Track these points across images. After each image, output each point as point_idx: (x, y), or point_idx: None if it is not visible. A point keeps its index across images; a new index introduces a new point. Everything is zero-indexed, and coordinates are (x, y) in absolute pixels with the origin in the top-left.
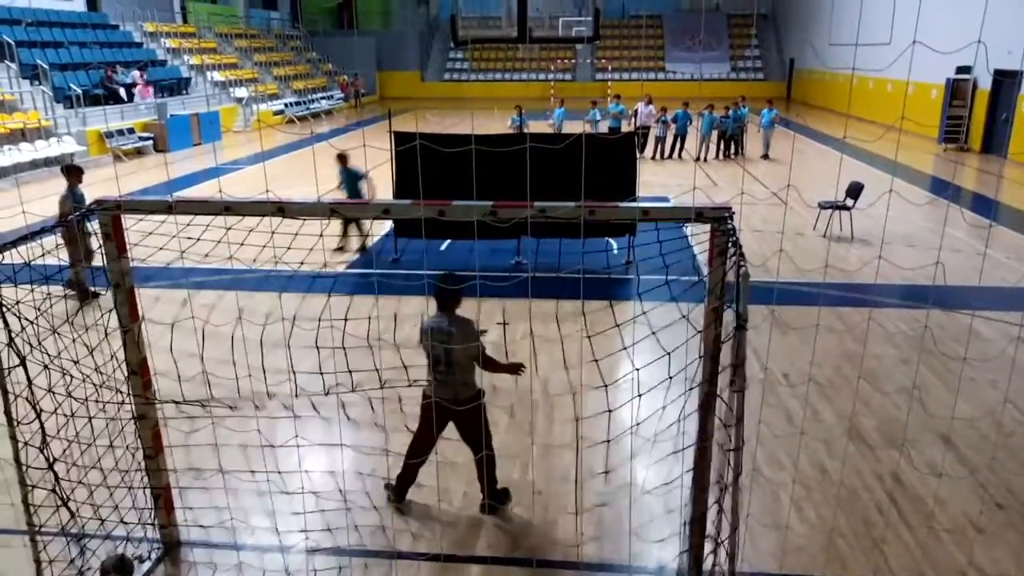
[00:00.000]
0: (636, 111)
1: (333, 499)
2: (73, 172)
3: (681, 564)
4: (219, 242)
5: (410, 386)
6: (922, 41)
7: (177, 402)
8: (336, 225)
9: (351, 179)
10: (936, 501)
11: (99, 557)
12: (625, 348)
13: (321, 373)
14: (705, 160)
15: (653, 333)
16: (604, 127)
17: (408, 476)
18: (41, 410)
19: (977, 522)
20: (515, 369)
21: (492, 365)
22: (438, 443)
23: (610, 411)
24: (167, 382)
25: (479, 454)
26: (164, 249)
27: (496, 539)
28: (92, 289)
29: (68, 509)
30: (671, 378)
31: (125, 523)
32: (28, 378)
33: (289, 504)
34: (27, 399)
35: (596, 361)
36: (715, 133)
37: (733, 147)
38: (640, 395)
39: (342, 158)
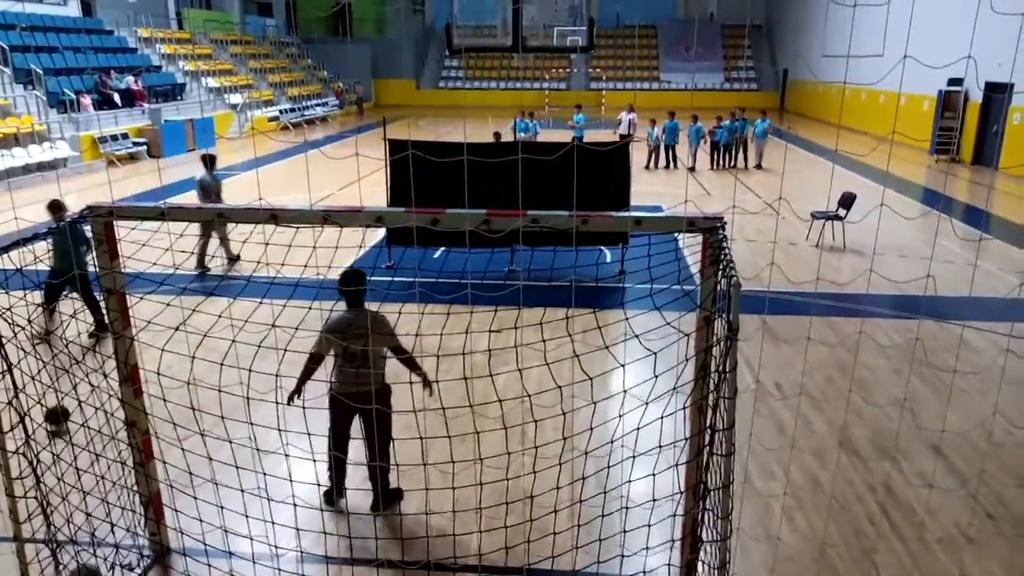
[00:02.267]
0: (620, 120)
1: (323, 507)
2: (211, 159)
3: (672, 574)
4: (214, 254)
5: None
6: (913, 56)
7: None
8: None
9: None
10: (927, 511)
11: (89, 562)
12: (622, 366)
13: (306, 378)
14: (693, 169)
15: (637, 336)
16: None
17: (340, 475)
18: (26, 414)
19: (967, 532)
20: (424, 380)
21: (410, 362)
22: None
23: (599, 425)
24: (156, 389)
25: (375, 452)
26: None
27: (486, 547)
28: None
29: (46, 516)
30: (673, 390)
31: (114, 530)
32: (15, 384)
33: (279, 511)
34: (14, 406)
35: (589, 378)
36: (709, 143)
37: (727, 158)
38: (641, 406)
39: (55, 207)
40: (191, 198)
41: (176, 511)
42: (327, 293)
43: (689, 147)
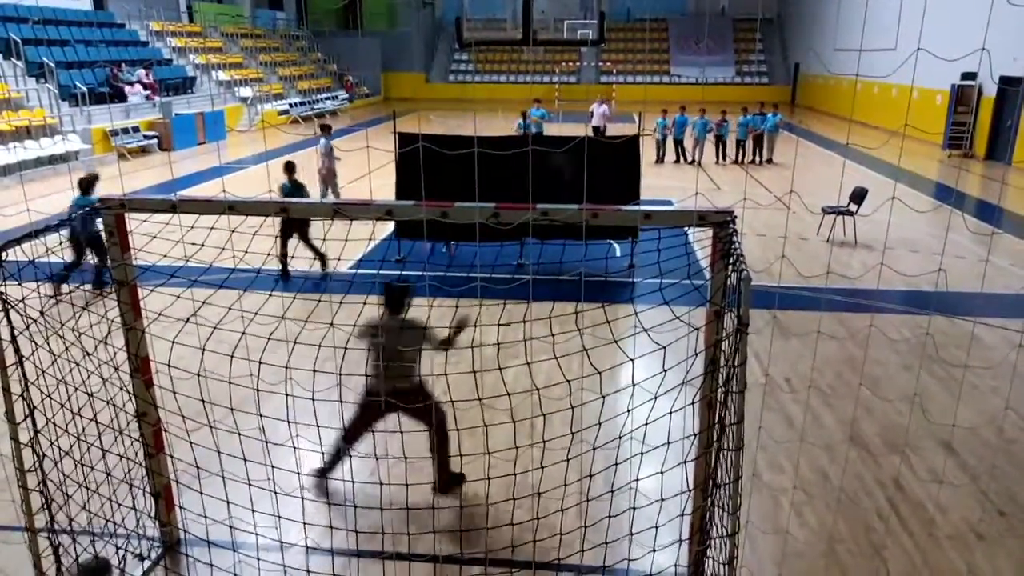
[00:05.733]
0: (592, 112)
1: (332, 499)
2: (326, 128)
3: (680, 569)
4: (224, 247)
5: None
6: (926, 49)
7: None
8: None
9: None
10: (937, 507)
11: (99, 554)
12: (631, 360)
13: (315, 371)
14: (697, 163)
15: (646, 331)
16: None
17: (339, 458)
18: (34, 407)
19: (978, 529)
20: (459, 327)
21: (446, 342)
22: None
23: (609, 419)
24: (167, 380)
25: (433, 442)
26: (164, 244)
27: (495, 542)
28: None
29: (49, 510)
30: (682, 384)
31: (124, 521)
32: (24, 377)
33: (288, 504)
34: (24, 398)
35: (598, 372)
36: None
37: (739, 152)
38: (648, 401)
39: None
40: (202, 191)
41: (192, 497)
42: (336, 285)
43: (695, 141)
